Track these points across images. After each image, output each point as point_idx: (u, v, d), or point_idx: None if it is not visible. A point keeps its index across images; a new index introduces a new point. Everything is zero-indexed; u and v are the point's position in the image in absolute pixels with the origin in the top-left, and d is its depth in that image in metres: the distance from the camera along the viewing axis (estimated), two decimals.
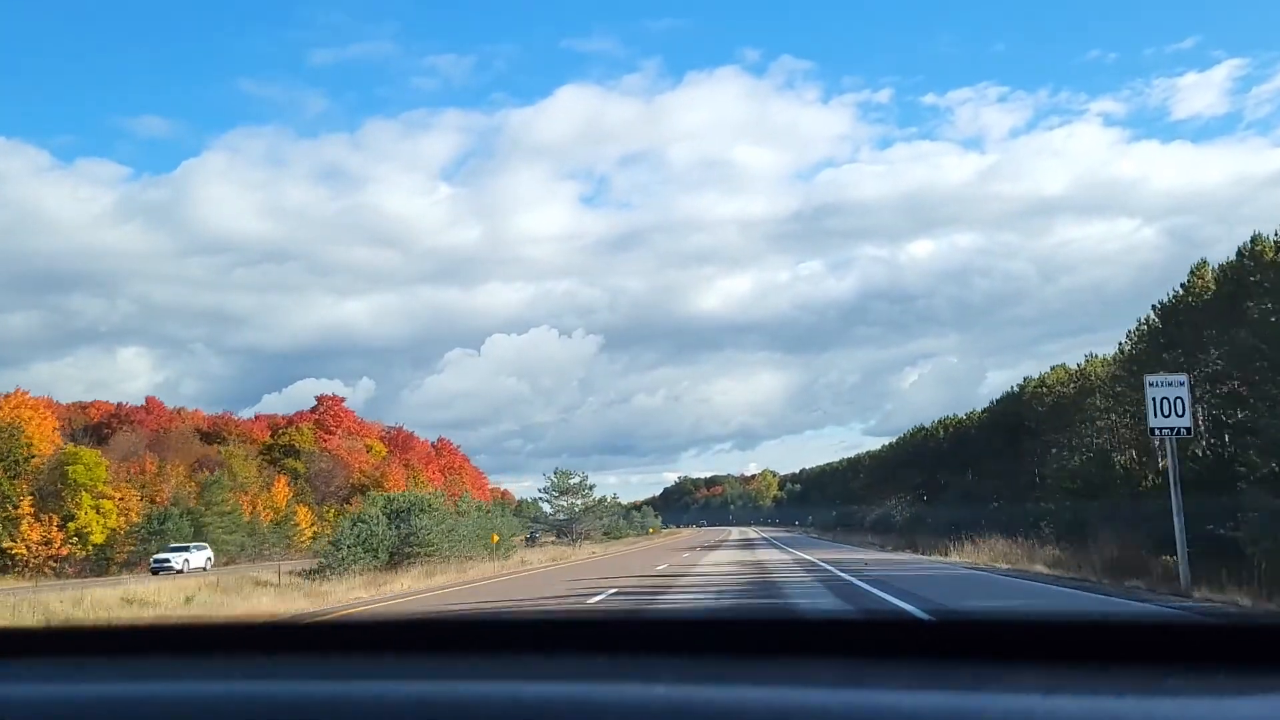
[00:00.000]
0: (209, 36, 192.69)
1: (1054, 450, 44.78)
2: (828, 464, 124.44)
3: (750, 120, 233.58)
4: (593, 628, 1.40)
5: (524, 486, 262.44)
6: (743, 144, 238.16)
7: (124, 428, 62.03)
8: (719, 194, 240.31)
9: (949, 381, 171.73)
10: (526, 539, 62.57)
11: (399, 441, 77.95)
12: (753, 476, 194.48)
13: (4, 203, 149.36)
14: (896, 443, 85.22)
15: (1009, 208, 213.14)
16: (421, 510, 34.71)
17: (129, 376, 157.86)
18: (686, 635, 1.34)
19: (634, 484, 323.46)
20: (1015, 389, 52.88)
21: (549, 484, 58.33)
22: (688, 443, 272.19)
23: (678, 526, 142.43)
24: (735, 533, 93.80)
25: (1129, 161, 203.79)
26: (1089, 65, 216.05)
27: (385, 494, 40.02)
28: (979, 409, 65.20)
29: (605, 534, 71.41)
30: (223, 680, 1.25)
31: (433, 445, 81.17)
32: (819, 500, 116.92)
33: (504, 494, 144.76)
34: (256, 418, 77.30)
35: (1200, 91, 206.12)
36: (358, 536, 31.77)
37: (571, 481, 56.85)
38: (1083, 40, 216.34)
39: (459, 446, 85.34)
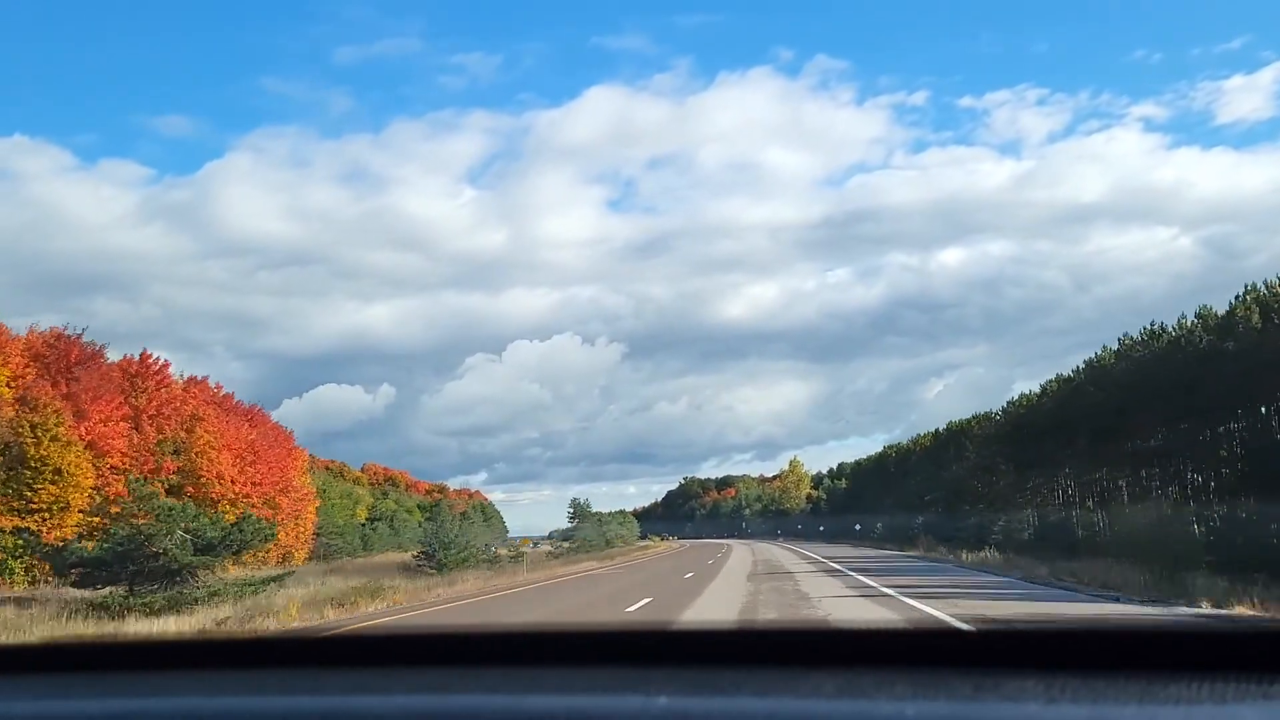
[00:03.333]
0: (233, 32, 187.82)
1: None
2: (893, 445, 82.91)
3: (782, 123, 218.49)
4: (595, 640, 1.40)
5: (543, 496, 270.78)
6: (774, 147, 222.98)
7: None
8: (748, 199, 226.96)
9: (975, 393, 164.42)
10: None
11: (61, 358, 36.66)
12: (775, 476, 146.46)
13: (27, 203, 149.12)
14: (1061, 384, 44.16)
15: (1044, 215, 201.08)
16: None
17: None
18: (688, 647, 1.34)
19: (654, 493, 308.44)
20: None
21: None
22: (708, 452, 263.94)
23: (660, 537, 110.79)
24: (738, 563, 40.40)
25: (1169, 168, 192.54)
26: (1133, 66, 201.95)
27: None
28: None
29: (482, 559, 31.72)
30: (221, 695, 1.27)
31: (123, 364, 39.76)
32: (876, 500, 75.76)
33: (413, 484, 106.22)
34: None
35: (1246, 95, 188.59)
36: None
37: None
38: (1129, 39, 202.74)
39: (219, 387, 44.63)
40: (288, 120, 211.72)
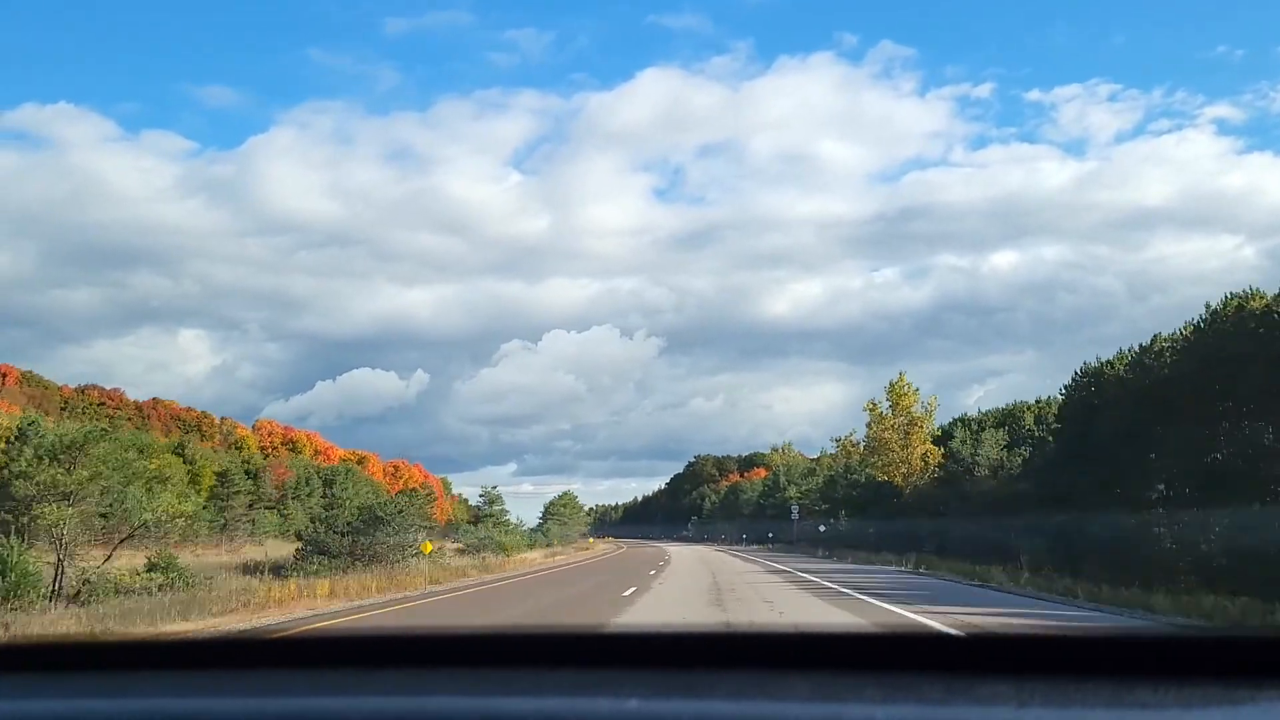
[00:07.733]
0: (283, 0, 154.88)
1: None
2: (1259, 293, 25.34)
3: (840, 112, 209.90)
4: (565, 642, 1.40)
5: (571, 490, 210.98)
6: (829, 138, 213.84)
7: None
8: (799, 191, 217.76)
9: (1012, 400, 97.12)
10: None
11: None
12: (842, 438, 70.07)
13: (68, 172, 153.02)
14: None
15: (1104, 219, 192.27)
16: None
17: (189, 358, 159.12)
18: (659, 650, 1.35)
19: None
20: None
21: None
22: (742, 449, 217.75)
23: (597, 538, 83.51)
24: None
25: (1239, 174, 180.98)
26: (1213, 63, 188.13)
27: None
28: None
29: None
30: (187, 696, 1.26)
31: None
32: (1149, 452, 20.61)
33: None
34: None
35: None
36: None
37: None
38: (1212, 34, 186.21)
39: None
40: (334, 94, 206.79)
